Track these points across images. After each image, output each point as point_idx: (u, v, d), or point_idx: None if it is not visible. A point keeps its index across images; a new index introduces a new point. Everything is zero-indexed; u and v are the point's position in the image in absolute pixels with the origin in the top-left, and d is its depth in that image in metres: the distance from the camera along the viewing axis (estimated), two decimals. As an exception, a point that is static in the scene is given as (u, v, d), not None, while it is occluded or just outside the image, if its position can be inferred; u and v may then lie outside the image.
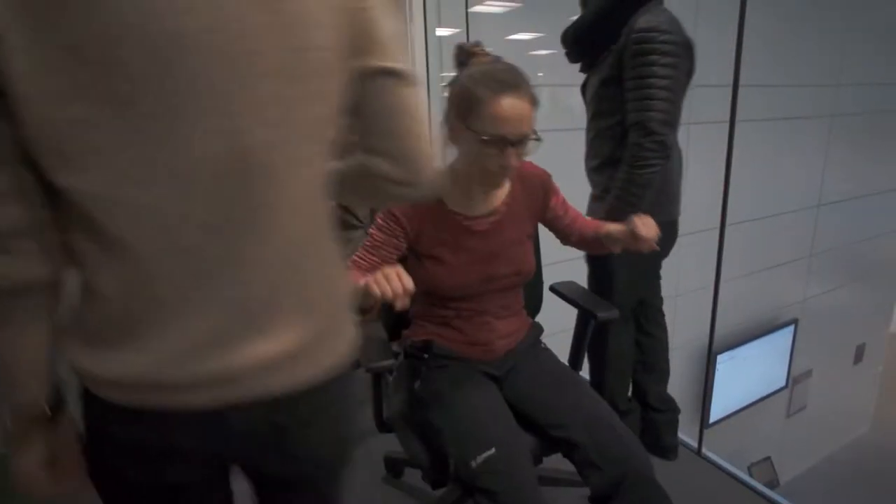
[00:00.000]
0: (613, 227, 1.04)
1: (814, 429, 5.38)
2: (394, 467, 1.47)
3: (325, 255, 0.55)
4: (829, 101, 4.18)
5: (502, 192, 1.08)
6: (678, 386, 4.21)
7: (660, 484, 0.90)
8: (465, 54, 0.96)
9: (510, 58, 0.94)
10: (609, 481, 0.88)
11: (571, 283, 1.32)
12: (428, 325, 1.10)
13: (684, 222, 3.69)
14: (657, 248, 0.98)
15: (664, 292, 3.82)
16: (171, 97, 0.41)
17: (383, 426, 1.13)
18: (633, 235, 0.97)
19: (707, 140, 3.58)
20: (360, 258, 1.01)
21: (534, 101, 0.93)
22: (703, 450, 1.59)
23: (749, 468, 4.53)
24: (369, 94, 0.53)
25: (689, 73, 1.31)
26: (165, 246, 0.45)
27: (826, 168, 4.35)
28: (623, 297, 1.41)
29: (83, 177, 0.42)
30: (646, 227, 0.97)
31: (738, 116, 3.75)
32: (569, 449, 0.95)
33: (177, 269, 0.46)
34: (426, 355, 1.06)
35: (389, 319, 1.17)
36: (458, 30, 2.76)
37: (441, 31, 2.72)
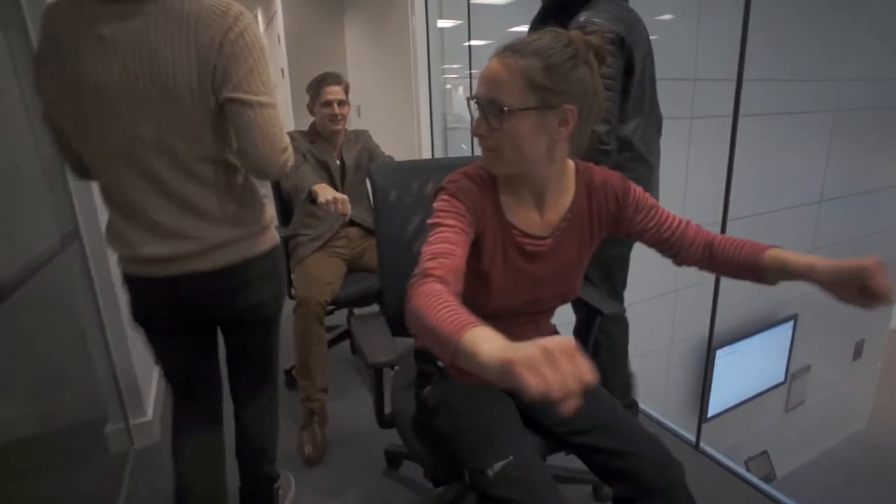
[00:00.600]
0: (799, 261, 0.77)
1: (811, 424, 5.40)
2: (393, 460, 1.48)
3: (199, 195, 0.90)
4: (831, 95, 4.16)
5: (563, 204, 0.89)
6: (678, 380, 4.23)
7: (690, 492, 0.83)
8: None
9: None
10: (641, 484, 0.82)
11: (584, 284, 1.21)
12: None
13: (686, 216, 3.68)
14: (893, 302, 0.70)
15: (664, 287, 3.82)
16: (99, 118, 0.83)
17: (383, 422, 1.08)
18: (865, 282, 0.68)
19: (709, 135, 3.58)
20: (432, 266, 0.73)
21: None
22: (701, 444, 1.58)
23: (746, 462, 4.54)
24: (228, 116, 0.86)
25: (628, 69, 1.21)
26: (113, 187, 0.89)
27: (828, 163, 4.34)
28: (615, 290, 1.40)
29: (79, 147, 0.88)
30: (882, 273, 0.67)
31: (741, 111, 3.72)
32: (589, 453, 0.87)
33: (121, 203, 0.90)
34: (440, 363, 0.95)
35: (394, 315, 1.10)
36: (459, 21, 2.75)
37: (442, 23, 2.71)
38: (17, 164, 1.18)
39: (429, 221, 0.81)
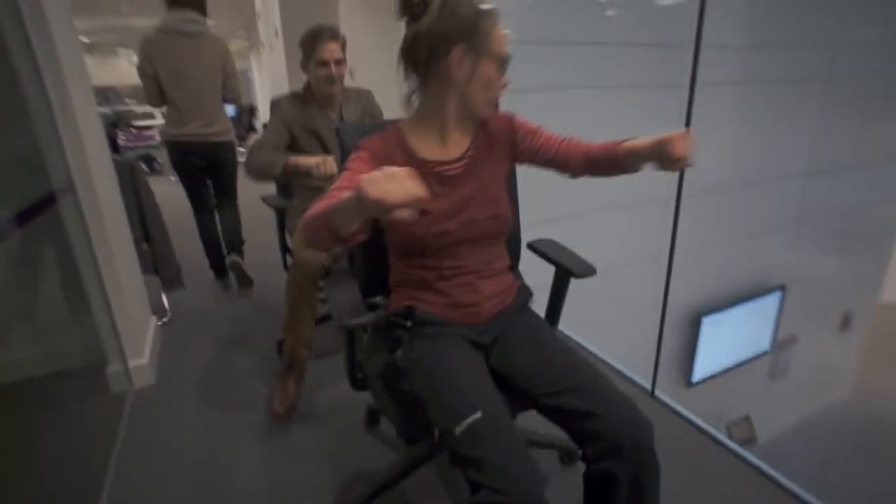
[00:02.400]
0: (638, 144, 0.93)
1: (794, 392, 5.55)
2: (373, 419, 1.52)
3: (219, 104, 2.40)
4: (822, 64, 4.12)
5: (467, 138, 1.03)
6: (664, 346, 4.32)
7: (656, 454, 0.86)
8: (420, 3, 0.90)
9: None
10: (610, 444, 0.83)
11: (550, 241, 1.24)
12: (407, 290, 1.03)
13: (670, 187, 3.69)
14: (692, 163, 0.88)
15: (648, 251, 3.87)
16: (183, 80, 2.26)
17: (356, 383, 1.08)
18: (665, 151, 0.87)
19: (710, 103, 3.58)
20: (330, 195, 0.86)
21: None
22: (656, 392, 1.68)
23: (728, 426, 4.71)
24: (225, 80, 2.40)
25: None
26: (187, 107, 2.30)
27: (819, 134, 4.33)
28: None
29: (168, 91, 2.26)
30: (682, 142, 0.86)
31: (731, 80, 3.70)
32: (561, 415, 0.89)
33: (189, 112, 2.29)
34: (409, 323, 0.98)
35: (364, 278, 1.14)
36: None
37: None
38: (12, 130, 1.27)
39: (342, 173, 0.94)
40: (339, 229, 0.75)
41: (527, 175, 1.18)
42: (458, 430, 0.79)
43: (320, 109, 1.74)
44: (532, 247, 1.23)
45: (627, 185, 3.49)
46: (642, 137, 0.93)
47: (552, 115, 1.48)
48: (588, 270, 1.11)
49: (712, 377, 4.59)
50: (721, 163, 4.00)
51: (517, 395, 0.94)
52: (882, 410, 5.96)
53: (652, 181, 3.62)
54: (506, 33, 0.94)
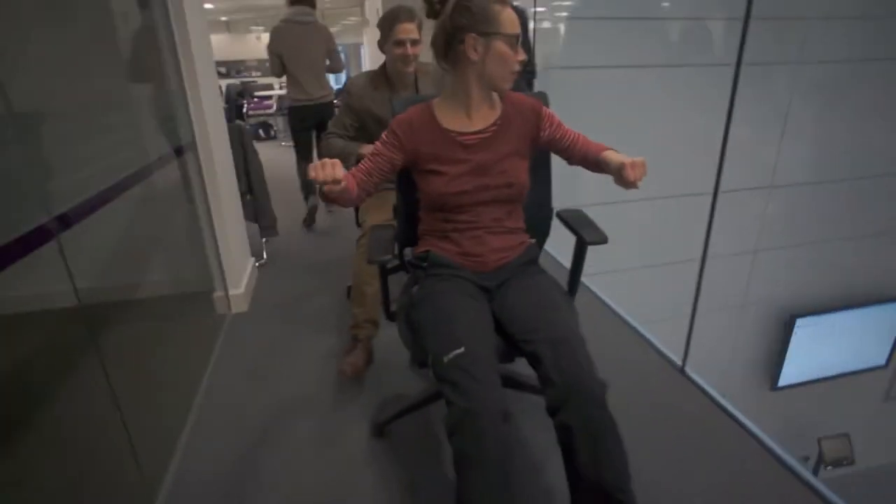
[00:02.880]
0: (610, 157, 1.10)
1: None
2: (379, 431, 1.52)
3: (323, 74, 3.13)
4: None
5: (494, 114, 1.16)
6: (746, 345, 4.03)
7: (607, 407, 0.93)
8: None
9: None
10: (561, 395, 0.92)
11: (578, 212, 1.30)
12: (430, 238, 1.21)
13: (776, 175, 3.40)
14: (637, 188, 1.02)
15: (740, 246, 3.61)
16: (301, 54, 2.98)
17: (389, 315, 1.27)
18: (620, 175, 1.03)
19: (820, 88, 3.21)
20: (360, 165, 1.14)
21: None
22: (686, 368, 1.67)
23: (819, 440, 4.30)
24: (329, 56, 3.13)
25: None
26: (303, 77, 3.00)
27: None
28: None
29: (288, 63, 2.99)
30: (634, 170, 1.01)
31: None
32: (534, 361, 1.00)
33: (304, 81, 3.00)
34: (424, 264, 1.18)
35: (400, 231, 1.32)
36: None
37: None
38: (152, 96, 1.62)
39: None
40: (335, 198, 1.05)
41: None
42: (446, 359, 0.94)
43: (390, 92, 1.79)
44: (559, 216, 1.31)
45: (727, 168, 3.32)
46: (614, 154, 1.11)
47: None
48: (600, 239, 1.18)
49: (805, 384, 4.21)
50: (832, 151, 3.55)
51: (508, 340, 1.08)
52: None
53: (749, 164, 3.37)
54: (511, 14, 1.06)
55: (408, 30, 1.70)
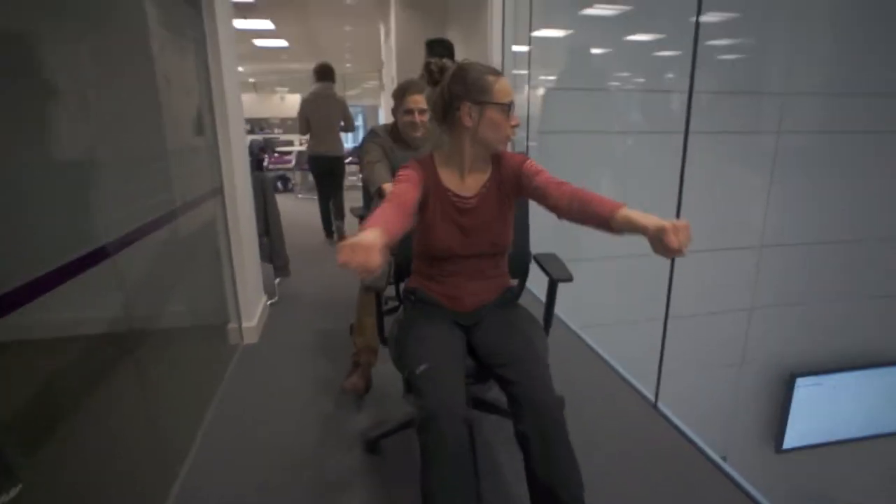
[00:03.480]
0: (637, 220, 0.98)
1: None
2: (372, 448, 1.63)
3: (338, 135, 4.12)
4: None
5: (485, 177, 1.27)
6: (748, 402, 4.00)
7: (562, 420, 1.05)
8: (439, 68, 1.28)
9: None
10: (521, 408, 1.06)
11: (552, 255, 1.47)
12: (420, 278, 1.37)
13: (765, 234, 3.54)
14: (683, 255, 0.91)
15: (733, 303, 3.70)
16: (318, 125, 3.97)
17: (383, 340, 1.42)
18: (660, 240, 0.91)
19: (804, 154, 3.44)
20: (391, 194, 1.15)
21: None
22: (659, 404, 1.75)
23: (838, 508, 4.13)
24: (343, 119, 4.10)
25: None
26: (321, 136, 4.00)
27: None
28: None
29: (312, 124, 3.97)
30: (678, 235, 0.90)
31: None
32: (502, 382, 1.14)
33: (322, 139, 4.00)
34: (413, 297, 1.36)
35: (396, 267, 1.49)
36: (527, 47, 3.15)
37: (515, 48, 3.14)
38: (191, 146, 1.87)
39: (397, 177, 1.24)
40: None
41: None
42: (417, 371, 1.11)
43: (403, 149, 1.97)
44: (536, 258, 1.48)
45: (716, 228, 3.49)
46: (642, 215, 0.98)
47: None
48: (565, 277, 1.34)
49: (814, 447, 4.12)
50: (838, 213, 3.71)
51: (480, 363, 1.24)
52: None
53: (741, 224, 3.51)
54: (507, 87, 1.20)
55: (417, 100, 1.89)
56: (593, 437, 1.52)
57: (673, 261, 1.89)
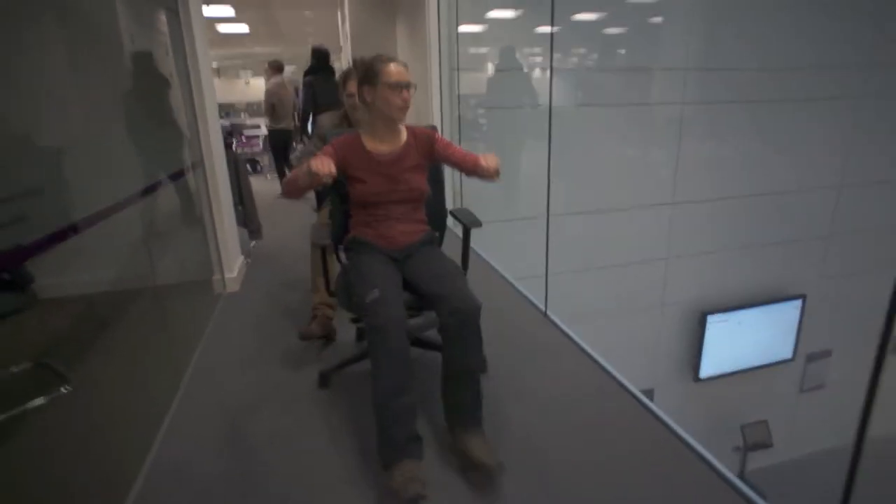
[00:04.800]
0: (480, 159, 1.54)
1: (836, 413, 5.44)
2: (324, 382, 1.87)
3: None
4: (854, 85, 4.33)
5: (399, 141, 1.63)
6: (668, 340, 4.66)
7: (478, 318, 1.39)
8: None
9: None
10: (446, 308, 1.39)
11: (464, 209, 1.85)
12: (358, 226, 1.66)
13: (688, 191, 4.13)
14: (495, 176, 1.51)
15: (653, 254, 4.31)
16: (280, 107, 5.03)
17: (329, 292, 1.77)
18: (477, 168, 1.53)
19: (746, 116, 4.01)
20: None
21: (405, 66, 1.57)
22: (548, 312, 2.28)
23: (742, 427, 4.85)
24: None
25: None
26: (280, 115, 5.28)
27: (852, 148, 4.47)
28: None
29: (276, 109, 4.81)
30: (486, 160, 1.52)
31: (765, 97, 4.06)
32: (431, 299, 1.45)
33: (280, 117, 5.21)
34: (353, 244, 1.66)
35: (335, 227, 1.78)
36: (479, 27, 3.62)
37: (462, 28, 3.59)
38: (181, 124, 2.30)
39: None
40: (301, 185, 1.50)
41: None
42: (368, 298, 1.39)
43: (348, 128, 2.21)
44: (451, 212, 1.87)
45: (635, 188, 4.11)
46: (482, 156, 1.54)
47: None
48: (473, 223, 1.73)
49: (725, 376, 4.81)
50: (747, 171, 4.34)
51: (415, 293, 1.57)
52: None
53: (658, 185, 4.12)
54: (396, 68, 1.53)
55: (353, 85, 2.08)
56: (499, 339, 2.01)
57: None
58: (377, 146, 1.64)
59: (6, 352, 1.16)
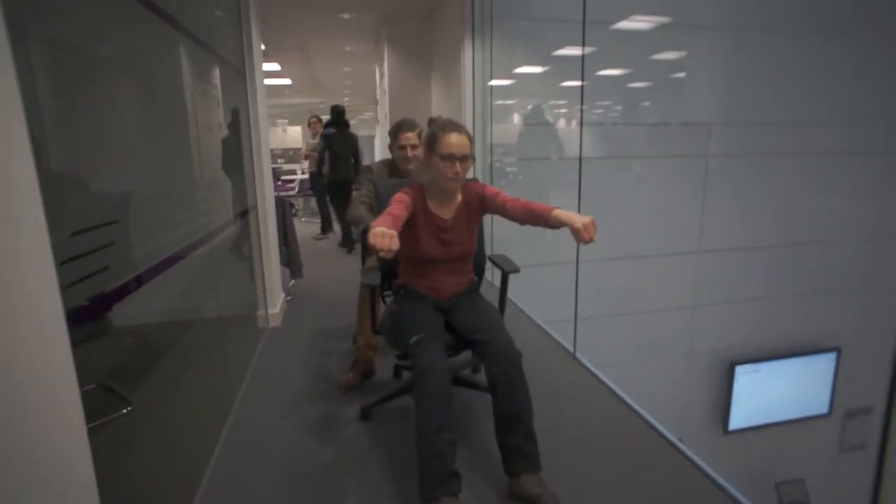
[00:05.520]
0: (562, 216, 1.48)
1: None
2: (365, 415, 1.96)
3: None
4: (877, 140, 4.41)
5: (457, 203, 1.70)
6: (697, 390, 4.62)
7: (521, 367, 1.47)
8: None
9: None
10: (492, 361, 1.48)
11: (502, 255, 1.91)
12: (408, 276, 1.77)
13: (713, 239, 4.20)
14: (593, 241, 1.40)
15: (680, 301, 4.34)
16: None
17: (375, 329, 1.82)
18: (576, 236, 1.42)
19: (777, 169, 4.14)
20: (390, 212, 1.50)
21: (469, 136, 1.61)
22: (577, 354, 2.34)
23: (777, 485, 4.68)
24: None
25: None
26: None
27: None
28: None
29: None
30: (587, 231, 1.40)
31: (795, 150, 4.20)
32: (475, 346, 1.55)
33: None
34: (402, 291, 1.77)
35: (384, 273, 1.88)
36: (509, 81, 3.88)
37: (493, 82, 3.86)
38: (243, 173, 2.55)
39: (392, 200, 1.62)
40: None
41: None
42: (411, 341, 1.50)
43: (397, 179, 2.26)
44: (490, 258, 1.95)
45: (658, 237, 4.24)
46: (566, 213, 1.48)
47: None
48: (512, 269, 1.80)
49: (756, 428, 4.67)
50: (763, 222, 4.41)
51: (459, 336, 1.68)
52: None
53: (681, 233, 4.22)
54: (455, 139, 1.58)
55: (408, 137, 2.19)
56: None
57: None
58: (437, 208, 1.71)
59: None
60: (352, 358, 2.27)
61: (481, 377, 1.81)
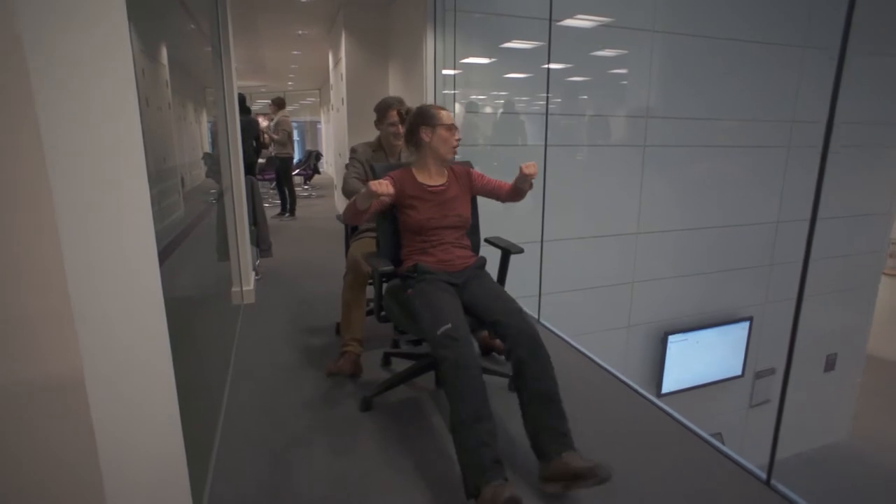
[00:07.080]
0: (515, 181, 1.77)
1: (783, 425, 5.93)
2: (366, 406, 1.89)
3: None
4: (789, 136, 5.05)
5: (444, 177, 1.81)
6: (634, 356, 5.09)
7: (544, 345, 1.47)
8: (406, 111, 1.92)
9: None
10: (514, 340, 1.46)
11: (498, 237, 2.00)
12: (413, 256, 1.76)
13: (649, 221, 4.63)
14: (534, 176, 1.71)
15: (621, 278, 4.75)
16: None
17: (380, 319, 1.80)
18: (524, 175, 1.69)
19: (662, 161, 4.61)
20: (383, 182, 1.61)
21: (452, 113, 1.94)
22: (542, 319, 2.66)
23: (700, 439, 5.24)
24: None
25: None
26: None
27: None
28: None
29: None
30: (527, 167, 1.70)
31: (717, 142, 4.67)
32: (495, 326, 1.53)
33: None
34: (415, 273, 1.70)
35: (385, 255, 1.85)
36: (457, 71, 4.08)
37: (446, 72, 4.05)
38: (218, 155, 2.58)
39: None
40: (360, 208, 1.62)
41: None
42: (439, 332, 1.45)
43: (384, 156, 2.32)
44: (487, 240, 1.99)
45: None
46: (515, 179, 1.79)
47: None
48: (516, 250, 1.88)
49: (683, 391, 5.26)
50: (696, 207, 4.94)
51: (474, 317, 1.65)
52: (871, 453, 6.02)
53: (623, 216, 4.63)
54: (447, 114, 1.77)
55: (394, 115, 2.21)
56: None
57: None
58: (427, 178, 1.82)
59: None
60: (334, 339, 2.36)
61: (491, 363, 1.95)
